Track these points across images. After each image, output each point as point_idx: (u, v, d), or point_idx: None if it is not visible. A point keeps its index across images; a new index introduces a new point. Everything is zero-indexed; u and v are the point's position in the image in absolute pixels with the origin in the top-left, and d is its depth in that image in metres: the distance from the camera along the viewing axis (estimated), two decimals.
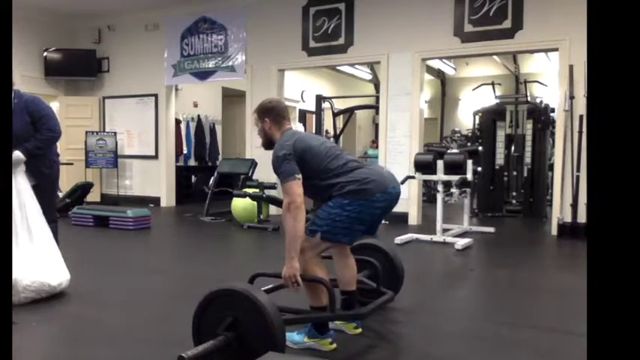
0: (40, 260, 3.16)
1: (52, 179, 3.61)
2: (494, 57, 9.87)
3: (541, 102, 8.24)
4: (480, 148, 6.89)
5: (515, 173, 7.73)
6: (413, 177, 5.77)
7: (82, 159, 8.61)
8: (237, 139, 10.53)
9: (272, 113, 2.55)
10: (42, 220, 3.28)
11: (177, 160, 9.08)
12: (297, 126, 10.92)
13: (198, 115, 9.76)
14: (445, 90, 12.95)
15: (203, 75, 8.19)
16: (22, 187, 3.22)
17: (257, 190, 6.33)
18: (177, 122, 9.12)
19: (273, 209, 7.13)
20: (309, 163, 2.39)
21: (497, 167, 7.80)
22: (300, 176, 2.33)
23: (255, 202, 6.31)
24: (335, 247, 2.52)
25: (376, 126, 9.27)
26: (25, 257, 3.09)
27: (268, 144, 2.58)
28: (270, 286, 2.56)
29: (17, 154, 3.23)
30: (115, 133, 8.83)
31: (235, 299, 2.10)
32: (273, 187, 6.63)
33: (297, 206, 2.28)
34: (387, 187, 2.42)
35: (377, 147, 11.90)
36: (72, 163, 8.26)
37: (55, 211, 3.77)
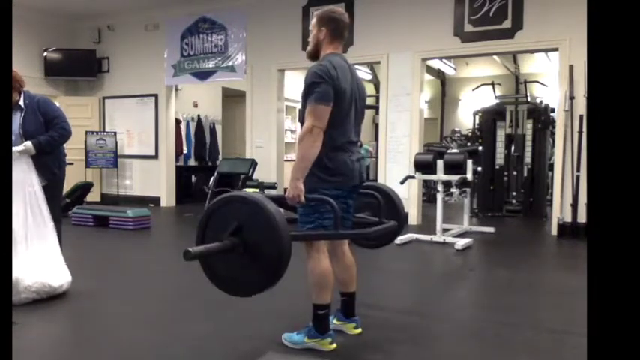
0: (42, 261, 3.16)
1: (60, 179, 3.64)
2: (494, 57, 9.86)
3: (541, 102, 8.25)
4: (480, 148, 6.90)
5: (515, 173, 7.73)
6: (413, 177, 5.77)
7: (82, 159, 8.61)
8: (237, 139, 10.53)
9: (333, 24, 2.42)
10: (48, 220, 3.29)
11: (177, 160, 9.08)
12: (297, 126, 10.93)
13: (198, 115, 9.76)
14: (445, 90, 12.94)
15: (203, 75, 8.19)
16: (36, 188, 3.23)
17: (257, 190, 6.33)
18: (177, 122, 9.11)
19: None
20: (333, 106, 2.29)
21: (497, 167, 7.80)
22: (332, 104, 2.25)
23: None
24: (331, 245, 2.51)
25: (376, 126, 9.26)
26: (27, 257, 3.09)
27: (314, 54, 2.47)
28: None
29: (28, 144, 3.29)
30: (115, 133, 8.83)
31: (242, 206, 2.07)
32: (273, 187, 6.63)
33: (319, 132, 2.22)
34: (352, 182, 2.42)
35: (360, 146, 11.90)
36: (72, 163, 8.14)
37: (60, 211, 3.79)
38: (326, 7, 2.57)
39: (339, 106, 2.31)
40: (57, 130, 3.44)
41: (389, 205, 2.83)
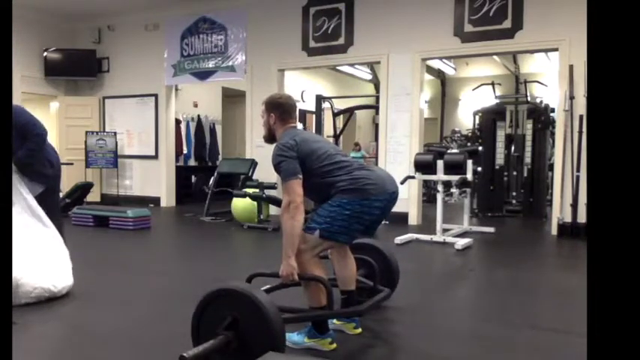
0: (43, 267, 3.15)
1: (55, 177, 3.60)
2: (494, 57, 9.87)
3: (541, 102, 8.25)
4: (480, 148, 6.89)
5: (515, 173, 7.73)
6: (413, 177, 5.77)
7: (82, 159, 8.61)
8: (237, 139, 10.53)
9: (279, 109, 2.56)
10: (49, 224, 3.29)
11: (177, 160, 9.08)
12: (297, 125, 10.91)
13: (198, 115, 9.76)
14: (445, 90, 12.95)
15: (203, 75, 8.19)
16: (28, 198, 3.23)
17: (257, 190, 6.33)
18: (177, 122, 9.12)
19: (273, 209, 7.13)
20: (312, 164, 2.39)
21: (497, 167, 7.80)
22: (301, 176, 2.34)
23: (255, 202, 6.32)
24: (333, 247, 2.52)
25: (376, 126, 9.27)
26: (28, 263, 3.08)
27: (270, 138, 2.61)
28: (269, 286, 2.56)
29: None
30: (115, 133, 8.83)
31: (235, 299, 2.10)
32: (273, 187, 6.63)
33: (297, 206, 2.29)
34: (387, 190, 2.44)
35: (359, 149, 11.91)
36: (72, 163, 8.25)
37: (60, 211, 3.78)
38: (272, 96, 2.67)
39: (320, 157, 2.41)
40: (32, 139, 3.35)
41: (384, 267, 2.95)
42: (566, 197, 5.86)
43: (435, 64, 11.05)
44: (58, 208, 3.66)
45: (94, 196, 8.41)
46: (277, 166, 2.40)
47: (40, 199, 3.39)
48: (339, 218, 2.35)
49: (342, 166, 2.43)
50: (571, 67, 5.79)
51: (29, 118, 3.43)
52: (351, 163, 2.46)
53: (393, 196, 2.49)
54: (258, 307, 2.02)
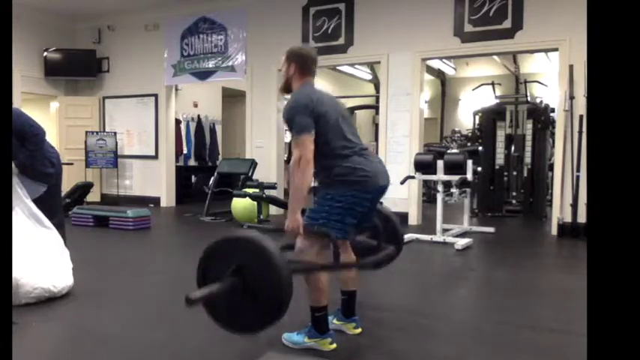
0: (43, 267, 3.15)
1: (57, 175, 3.59)
2: (494, 57, 9.86)
3: (541, 102, 8.25)
4: (480, 148, 6.90)
5: (515, 173, 7.73)
6: (413, 177, 5.77)
7: (82, 159, 8.61)
8: (237, 139, 10.53)
9: (300, 60, 2.52)
10: (49, 225, 3.29)
11: (177, 160, 9.08)
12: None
13: (198, 115, 9.76)
14: (445, 90, 12.94)
15: (203, 75, 8.19)
16: (27, 201, 3.24)
17: (257, 190, 6.33)
18: (177, 122, 9.12)
19: (273, 209, 7.13)
20: (320, 128, 2.35)
21: (497, 167, 7.80)
22: (314, 131, 2.31)
23: (255, 202, 6.32)
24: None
25: (376, 126, 9.26)
26: (28, 264, 3.08)
27: (286, 88, 2.56)
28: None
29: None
30: (115, 133, 8.83)
31: (241, 245, 2.08)
32: (273, 187, 6.63)
33: (308, 161, 2.28)
34: (378, 183, 2.42)
35: None
36: (72, 163, 8.24)
37: (62, 210, 3.78)
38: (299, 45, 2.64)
39: (327, 126, 2.37)
40: (30, 140, 3.35)
41: (388, 227, 2.87)
42: (566, 197, 5.86)
43: (435, 64, 11.04)
44: (61, 207, 3.67)
45: (94, 196, 8.40)
46: (290, 120, 2.35)
47: (43, 198, 3.40)
48: (334, 212, 2.34)
49: (344, 144, 2.39)
50: (571, 67, 5.79)
51: (25, 119, 3.41)
52: (353, 147, 2.42)
53: (383, 189, 2.47)
54: (264, 253, 2.00)
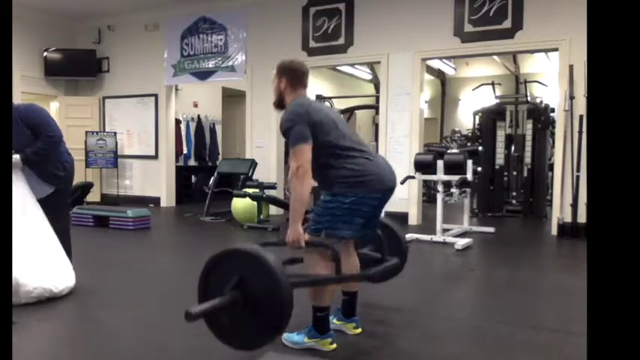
0: (44, 267, 3.15)
1: (66, 180, 3.59)
2: (494, 57, 9.86)
3: (541, 102, 8.25)
4: (480, 148, 6.89)
5: (515, 173, 7.73)
6: (413, 177, 5.76)
7: (82, 159, 8.59)
8: (237, 139, 10.53)
9: (291, 74, 2.52)
10: (49, 224, 3.28)
11: (177, 160, 9.08)
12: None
13: (198, 115, 9.76)
14: (445, 90, 12.94)
15: (203, 75, 8.19)
16: (25, 192, 3.23)
17: (257, 190, 6.32)
18: (177, 122, 9.12)
19: (273, 209, 7.13)
20: (318, 135, 2.34)
21: (497, 167, 7.80)
22: (310, 141, 2.30)
23: (255, 202, 6.32)
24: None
25: (376, 126, 9.26)
26: (29, 263, 3.08)
27: (279, 104, 2.57)
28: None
29: (15, 157, 3.25)
30: (115, 133, 8.84)
31: (242, 259, 2.08)
32: (273, 187, 6.63)
33: (305, 171, 2.27)
34: (384, 185, 2.41)
35: None
36: None
37: (68, 213, 3.78)
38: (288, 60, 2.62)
39: (326, 130, 2.37)
40: (42, 139, 3.34)
41: (392, 240, 2.86)
42: (566, 197, 5.86)
43: (435, 64, 11.04)
44: (67, 211, 3.67)
45: (94, 196, 8.41)
46: (286, 131, 2.35)
47: (49, 200, 3.40)
48: (340, 214, 2.33)
49: (346, 148, 2.38)
50: (571, 67, 5.79)
51: (45, 118, 3.43)
52: (354, 148, 2.41)
53: (390, 192, 2.46)
54: (265, 267, 1.99)
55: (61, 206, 3.57)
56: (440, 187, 5.54)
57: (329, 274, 2.38)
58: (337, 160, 2.36)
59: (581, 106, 5.71)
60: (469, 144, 8.92)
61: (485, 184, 7.77)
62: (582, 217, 5.67)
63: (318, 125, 2.34)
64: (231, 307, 2.03)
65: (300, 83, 2.53)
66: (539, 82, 9.70)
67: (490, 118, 7.99)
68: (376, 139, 8.56)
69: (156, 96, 8.64)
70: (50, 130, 3.40)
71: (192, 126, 9.67)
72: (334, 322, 2.65)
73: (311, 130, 2.32)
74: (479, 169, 6.24)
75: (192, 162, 9.70)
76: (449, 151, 5.87)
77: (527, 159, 7.64)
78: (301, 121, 2.31)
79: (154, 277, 4.05)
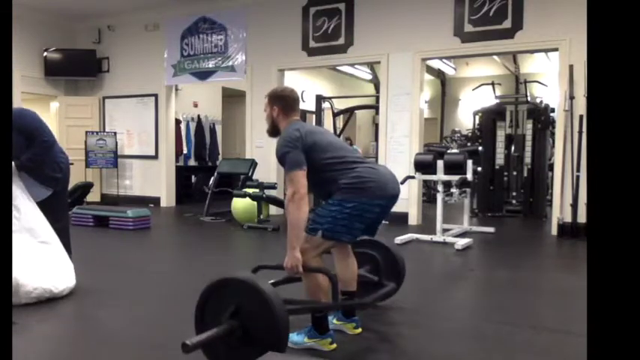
0: (44, 267, 3.15)
1: (63, 181, 3.60)
2: (494, 57, 9.87)
3: (541, 102, 8.25)
4: (480, 148, 6.89)
5: (515, 173, 7.73)
6: (413, 177, 5.76)
7: (82, 159, 8.61)
8: (237, 139, 10.53)
9: (282, 102, 2.56)
10: (49, 227, 3.29)
11: (177, 160, 9.09)
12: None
13: (198, 115, 9.76)
14: (445, 90, 12.94)
15: (203, 75, 8.19)
16: (24, 194, 3.24)
17: (257, 190, 6.33)
18: (177, 122, 9.12)
19: (273, 209, 7.13)
20: (315, 156, 2.38)
21: (497, 167, 7.80)
22: (305, 167, 2.33)
23: (255, 202, 6.32)
24: (335, 247, 2.52)
25: (376, 126, 9.26)
26: (29, 264, 3.08)
27: (273, 131, 2.60)
28: (273, 280, 2.55)
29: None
30: (115, 133, 8.84)
31: (239, 288, 2.08)
32: (273, 187, 6.63)
33: (301, 197, 2.29)
34: (388, 192, 2.43)
35: (351, 144, 11.92)
36: (72, 163, 8.18)
37: (67, 214, 3.79)
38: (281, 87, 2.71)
39: (323, 147, 2.41)
40: (37, 146, 3.35)
41: (389, 261, 2.93)
42: (566, 197, 5.86)
43: (435, 64, 11.04)
44: (66, 211, 3.68)
45: (94, 196, 8.41)
46: (282, 158, 2.38)
47: (48, 202, 3.41)
48: (340, 217, 2.35)
49: (346, 161, 2.41)
50: (571, 67, 5.79)
51: (38, 123, 3.43)
52: (354, 159, 2.44)
53: (393, 199, 2.49)
54: (261, 296, 2.00)
55: (60, 207, 3.57)
56: (440, 187, 5.54)
57: (328, 302, 2.41)
58: (340, 171, 2.39)
59: (581, 106, 5.71)
60: (469, 144, 8.92)
61: (485, 184, 7.77)
62: (582, 217, 5.67)
63: (314, 146, 2.39)
64: (227, 337, 2.04)
65: (292, 110, 2.57)
66: (539, 82, 9.70)
67: (490, 118, 7.99)
68: (376, 139, 8.56)
69: (156, 96, 8.64)
70: (44, 134, 3.40)
71: (192, 126, 9.67)
72: (334, 322, 2.66)
73: (308, 151, 2.37)
74: (479, 169, 6.24)
75: (192, 162, 9.71)
76: (449, 151, 5.87)
77: (527, 159, 7.64)
78: (296, 146, 2.35)
79: (154, 277, 4.05)
